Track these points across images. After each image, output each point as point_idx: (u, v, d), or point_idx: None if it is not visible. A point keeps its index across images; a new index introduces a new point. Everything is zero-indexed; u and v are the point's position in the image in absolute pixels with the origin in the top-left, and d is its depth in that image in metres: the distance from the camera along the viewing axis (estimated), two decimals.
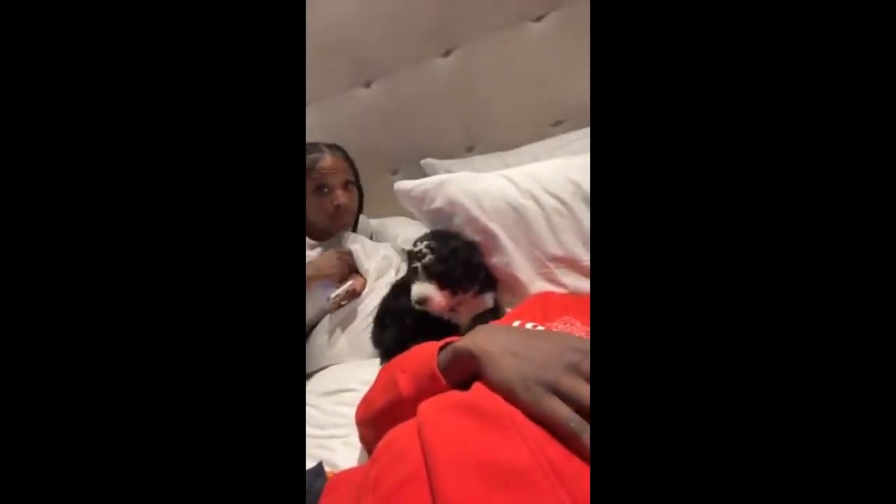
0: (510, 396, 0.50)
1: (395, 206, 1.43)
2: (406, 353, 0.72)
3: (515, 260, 1.17)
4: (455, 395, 0.55)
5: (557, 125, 1.69)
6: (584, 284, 1.11)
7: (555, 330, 0.77)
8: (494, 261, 1.18)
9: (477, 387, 0.54)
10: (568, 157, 1.27)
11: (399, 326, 1.15)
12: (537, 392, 0.48)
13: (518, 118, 1.72)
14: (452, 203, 1.24)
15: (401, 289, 1.21)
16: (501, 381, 0.52)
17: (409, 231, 1.51)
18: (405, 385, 0.64)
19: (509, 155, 1.66)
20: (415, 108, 1.77)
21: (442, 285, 1.05)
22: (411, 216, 1.52)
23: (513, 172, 1.23)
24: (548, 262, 1.14)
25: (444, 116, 1.77)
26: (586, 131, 1.56)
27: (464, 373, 0.58)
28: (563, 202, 1.12)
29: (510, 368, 0.52)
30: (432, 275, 1.05)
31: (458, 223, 1.23)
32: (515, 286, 1.18)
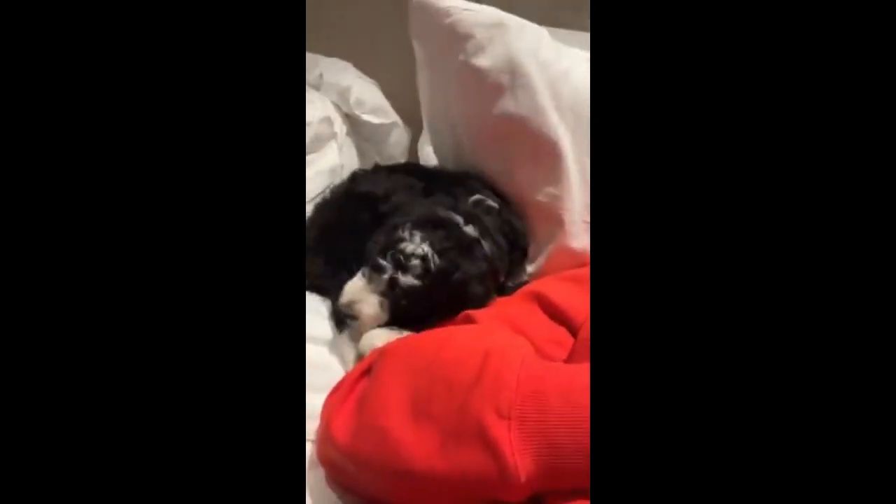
0: None
1: (365, 38, 0.92)
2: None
3: (572, 196, 0.81)
4: None
5: None
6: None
7: None
8: (539, 196, 0.81)
9: None
10: None
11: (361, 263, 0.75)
12: None
13: None
14: (513, 69, 0.76)
15: (358, 193, 0.83)
16: None
17: (363, 89, 1.02)
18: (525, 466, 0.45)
19: None
20: None
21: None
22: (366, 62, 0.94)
23: None
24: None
25: None
26: None
27: None
28: None
29: None
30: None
31: (499, 110, 0.76)
32: (552, 235, 0.83)
